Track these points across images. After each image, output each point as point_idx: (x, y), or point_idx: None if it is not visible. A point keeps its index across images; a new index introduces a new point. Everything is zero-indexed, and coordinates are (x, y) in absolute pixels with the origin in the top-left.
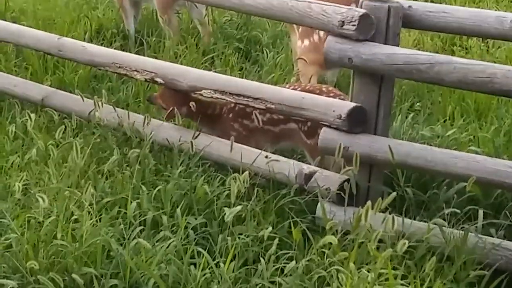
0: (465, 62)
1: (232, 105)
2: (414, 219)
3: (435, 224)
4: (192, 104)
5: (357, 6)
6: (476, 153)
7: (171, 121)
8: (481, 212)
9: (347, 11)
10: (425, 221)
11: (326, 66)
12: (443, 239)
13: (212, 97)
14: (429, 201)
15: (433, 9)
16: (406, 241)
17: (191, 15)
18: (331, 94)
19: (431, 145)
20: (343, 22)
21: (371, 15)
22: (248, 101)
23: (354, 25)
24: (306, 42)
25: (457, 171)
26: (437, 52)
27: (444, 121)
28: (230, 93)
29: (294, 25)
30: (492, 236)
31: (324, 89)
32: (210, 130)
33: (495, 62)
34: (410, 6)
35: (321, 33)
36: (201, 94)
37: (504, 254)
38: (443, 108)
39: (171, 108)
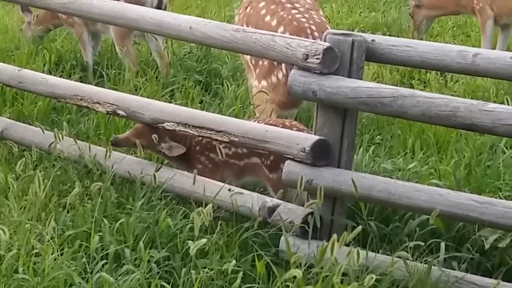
0: (428, 96)
1: (200, 138)
2: (377, 252)
3: (399, 257)
4: (154, 136)
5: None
6: (438, 186)
7: (132, 153)
8: (443, 245)
9: (311, 44)
10: (388, 254)
11: (283, 106)
12: (406, 273)
13: (174, 130)
14: (392, 234)
15: (396, 43)
16: (374, 275)
17: (150, 47)
18: (294, 129)
19: (393, 178)
20: (307, 55)
21: (335, 48)
22: (211, 134)
23: (318, 59)
24: (264, 83)
25: (421, 204)
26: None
27: (405, 154)
28: (193, 126)
29: (251, 66)
30: (454, 269)
31: (287, 123)
32: (177, 163)
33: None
34: (373, 40)
35: (280, 74)
36: (163, 127)
37: (467, 287)
38: (403, 141)
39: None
